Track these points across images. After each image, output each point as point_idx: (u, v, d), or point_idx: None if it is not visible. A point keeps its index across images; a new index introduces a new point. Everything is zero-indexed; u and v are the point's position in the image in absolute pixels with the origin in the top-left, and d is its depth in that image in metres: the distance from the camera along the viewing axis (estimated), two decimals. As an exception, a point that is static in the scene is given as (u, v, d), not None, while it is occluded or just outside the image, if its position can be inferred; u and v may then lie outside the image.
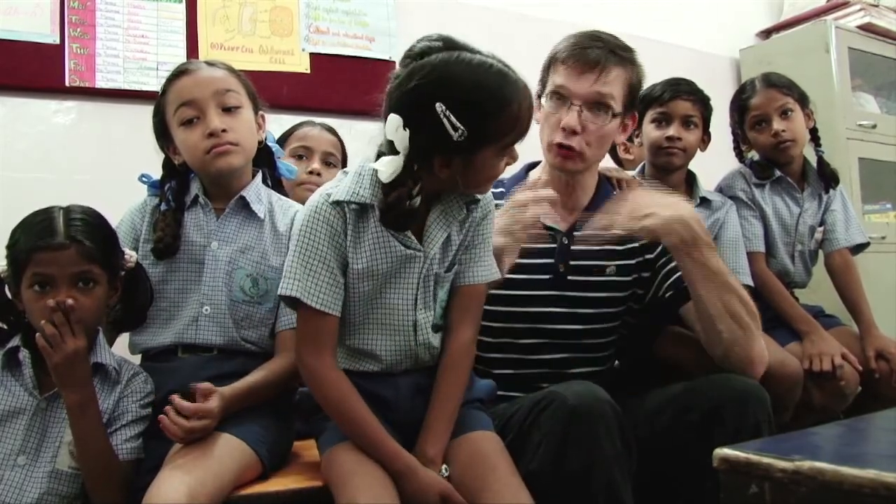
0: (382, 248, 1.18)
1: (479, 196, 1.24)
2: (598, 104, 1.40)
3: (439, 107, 1.07)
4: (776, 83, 2.11)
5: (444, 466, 1.16)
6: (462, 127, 1.07)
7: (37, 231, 1.21)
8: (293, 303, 1.19)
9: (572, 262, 1.49)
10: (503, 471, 1.14)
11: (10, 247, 1.23)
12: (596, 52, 1.40)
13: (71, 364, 1.17)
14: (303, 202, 1.55)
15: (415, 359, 1.23)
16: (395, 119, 1.10)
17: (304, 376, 1.20)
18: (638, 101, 1.98)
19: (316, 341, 1.17)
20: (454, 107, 1.07)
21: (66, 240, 1.21)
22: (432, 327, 1.25)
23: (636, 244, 1.51)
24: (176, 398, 1.17)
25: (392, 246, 1.18)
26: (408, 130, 1.09)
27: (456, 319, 1.25)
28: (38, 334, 1.16)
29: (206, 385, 1.20)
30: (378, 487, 1.09)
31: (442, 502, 1.10)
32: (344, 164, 1.96)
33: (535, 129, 1.53)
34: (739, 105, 2.18)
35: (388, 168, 1.11)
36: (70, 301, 1.17)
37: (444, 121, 1.07)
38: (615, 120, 1.43)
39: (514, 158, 1.19)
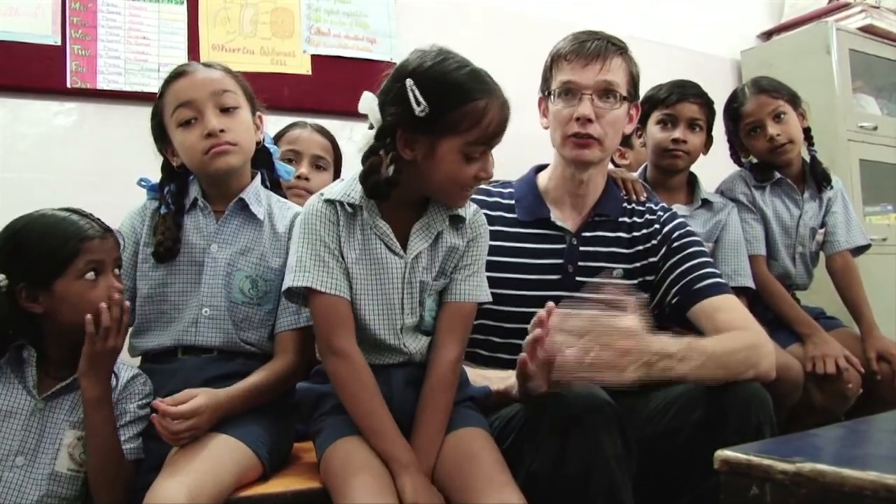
0: (368, 249, 1.23)
1: (460, 213, 1.28)
2: (606, 91, 1.44)
3: (409, 81, 1.15)
4: (766, 88, 2.11)
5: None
6: (425, 103, 1.13)
7: (73, 224, 1.24)
8: (304, 294, 1.23)
9: (581, 263, 1.49)
10: (489, 467, 1.14)
11: (30, 247, 1.22)
12: (596, 44, 1.45)
13: (105, 359, 1.20)
14: None
15: (407, 357, 1.26)
16: (369, 95, 1.20)
17: (334, 363, 1.20)
18: (643, 100, 2.02)
19: (341, 325, 1.20)
20: (422, 85, 1.14)
21: (103, 230, 1.27)
22: (422, 332, 1.28)
23: (641, 247, 1.52)
24: (157, 402, 1.17)
25: (376, 248, 1.24)
26: (377, 101, 1.19)
27: (442, 337, 1.27)
28: (88, 317, 1.18)
29: (185, 394, 1.20)
30: (377, 487, 1.08)
31: None
32: (337, 165, 1.94)
33: (537, 131, 1.55)
34: (732, 113, 2.17)
35: (362, 140, 1.20)
36: (127, 302, 1.23)
37: (410, 94, 1.14)
38: (623, 105, 1.46)
39: (485, 171, 1.20)
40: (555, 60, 1.50)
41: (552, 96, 1.49)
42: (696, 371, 1.22)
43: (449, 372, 1.24)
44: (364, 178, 1.20)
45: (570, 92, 1.45)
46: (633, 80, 1.49)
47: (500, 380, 1.32)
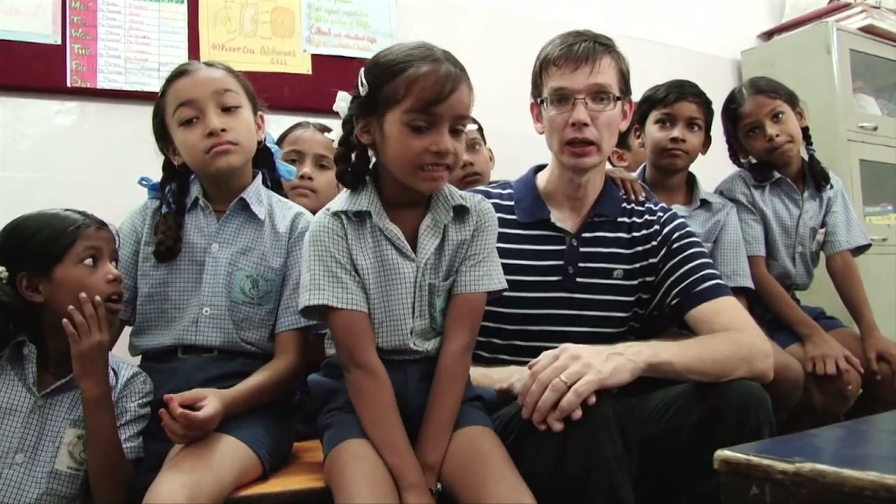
0: (379, 255, 1.23)
1: (463, 203, 1.28)
2: (599, 94, 1.43)
3: (361, 71, 1.22)
4: (764, 88, 2.11)
5: (438, 485, 1.17)
6: (367, 84, 1.19)
7: (70, 216, 1.27)
8: (321, 311, 1.21)
9: (581, 264, 1.49)
10: (500, 467, 1.14)
11: (30, 237, 1.24)
12: (584, 45, 1.43)
13: (94, 355, 1.20)
14: None
15: (419, 355, 1.25)
16: (341, 94, 1.25)
17: (358, 376, 1.19)
18: (641, 100, 2.02)
19: (361, 338, 1.20)
20: (368, 70, 1.21)
21: (99, 222, 1.29)
22: (435, 333, 1.27)
23: (640, 248, 1.52)
24: (167, 410, 1.15)
25: (387, 253, 1.23)
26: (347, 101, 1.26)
27: (450, 327, 1.26)
28: (65, 320, 1.18)
29: (194, 394, 1.19)
30: (380, 496, 1.08)
31: None
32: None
33: (529, 131, 1.55)
34: (730, 114, 2.17)
35: (336, 135, 1.29)
36: (111, 306, 1.24)
37: (358, 81, 1.21)
38: (617, 105, 1.45)
39: (436, 145, 1.16)
40: (543, 66, 1.48)
41: (545, 103, 1.47)
42: (680, 359, 1.23)
43: (454, 364, 1.23)
44: (336, 164, 1.26)
45: (564, 98, 1.44)
46: (624, 77, 1.48)
47: (502, 379, 1.32)
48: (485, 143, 2.18)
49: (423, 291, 1.24)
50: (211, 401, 1.18)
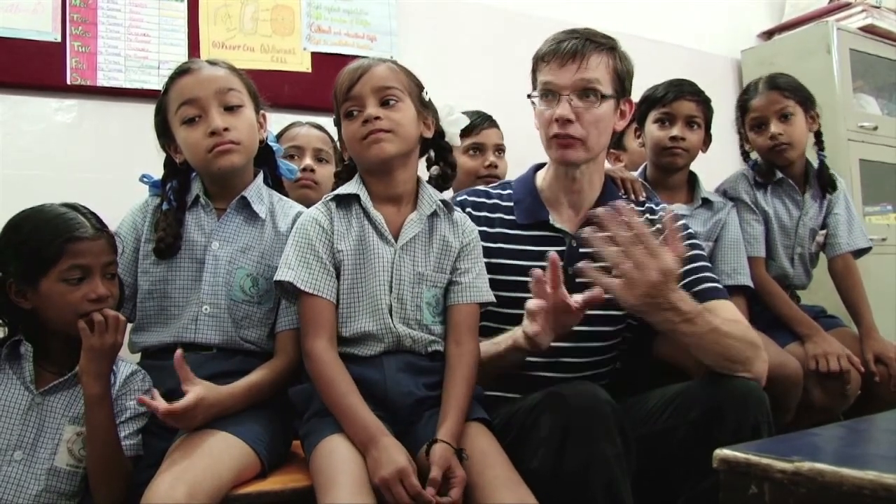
0: (362, 238, 1.32)
1: (445, 198, 1.40)
2: (585, 90, 1.43)
3: None
4: (779, 86, 2.10)
5: (463, 451, 1.19)
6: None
7: (64, 223, 1.23)
8: (289, 289, 1.29)
9: (581, 265, 1.49)
10: (501, 466, 1.17)
11: (22, 243, 1.23)
12: (573, 42, 1.44)
13: (105, 354, 1.20)
14: (300, 200, 1.57)
15: (397, 341, 1.29)
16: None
17: (306, 363, 1.28)
18: (640, 100, 2.02)
19: (314, 324, 1.27)
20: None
21: (95, 231, 1.25)
22: (421, 327, 1.32)
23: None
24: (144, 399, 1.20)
25: (369, 236, 1.32)
26: None
27: (464, 335, 1.34)
28: (81, 319, 1.19)
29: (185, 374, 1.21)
30: (357, 485, 1.10)
31: (399, 479, 1.10)
32: (339, 159, 1.96)
33: (528, 130, 1.55)
34: (741, 105, 2.17)
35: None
36: (112, 314, 1.21)
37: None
38: (606, 103, 1.44)
39: (367, 118, 1.30)
40: (536, 63, 1.50)
41: (536, 100, 1.49)
42: (693, 339, 1.23)
43: (475, 357, 1.32)
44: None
45: (550, 93, 1.45)
46: (619, 76, 1.47)
47: (507, 337, 1.35)
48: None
49: (401, 274, 1.31)
50: (193, 389, 1.19)
